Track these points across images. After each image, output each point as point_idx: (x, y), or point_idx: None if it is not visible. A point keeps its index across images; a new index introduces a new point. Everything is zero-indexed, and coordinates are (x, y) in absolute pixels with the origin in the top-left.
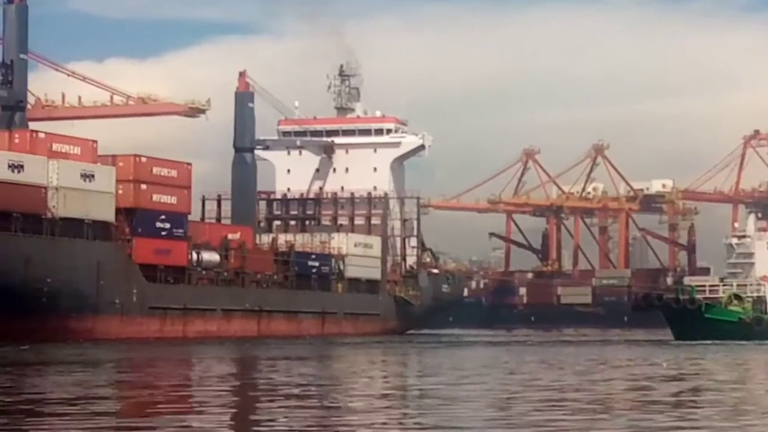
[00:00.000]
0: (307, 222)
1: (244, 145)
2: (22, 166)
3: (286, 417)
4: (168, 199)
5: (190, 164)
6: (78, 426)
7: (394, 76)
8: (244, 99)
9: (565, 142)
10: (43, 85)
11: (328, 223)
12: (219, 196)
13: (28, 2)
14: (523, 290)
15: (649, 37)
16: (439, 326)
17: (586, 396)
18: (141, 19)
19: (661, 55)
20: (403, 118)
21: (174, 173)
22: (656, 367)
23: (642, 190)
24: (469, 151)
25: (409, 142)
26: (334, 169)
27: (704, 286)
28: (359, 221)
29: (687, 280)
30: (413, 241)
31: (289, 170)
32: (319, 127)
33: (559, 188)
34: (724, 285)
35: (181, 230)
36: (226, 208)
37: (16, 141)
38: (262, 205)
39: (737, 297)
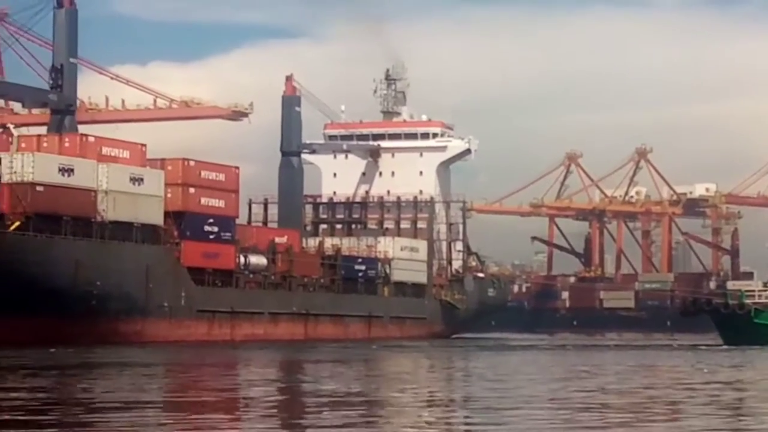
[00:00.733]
0: (353, 226)
1: (291, 149)
2: (72, 170)
3: (331, 419)
4: (216, 203)
5: (237, 168)
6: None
7: (438, 79)
8: (291, 103)
9: (607, 145)
10: (87, 88)
11: (374, 226)
12: (266, 199)
13: (77, 6)
14: (565, 294)
15: (692, 40)
16: (481, 330)
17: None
18: (184, 23)
19: (705, 57)
20: (449, 122)
21: (222, 177)
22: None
23: (685, 194)
24: (511, 154)
25: (456, 146)
26: (380, 173)
27: (753, 291)
28: (405, 225)
29: (730, 285)
30: (459, 245)
31: (335, 174)
32: (365, 131)
33: (602, 192)
34: None
35: (228, 234)
36: (272, 211)
37: (67, 145)
38: (309, 208)
39: None
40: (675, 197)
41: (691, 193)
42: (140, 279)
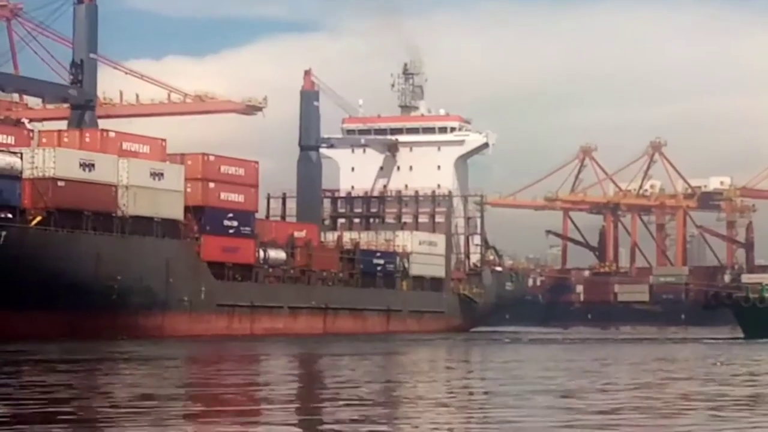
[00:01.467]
0: (371, 220)
1: (310, 144)
2: (93, 165)
3: (351, 413)
4: (236, 198)
5: (257, 163)
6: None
7: (455, 73)
8: (309, 97)
9: (622, 139)
10: (101, 83)
11: (392, 221)
12: (284, 194)
13: (97, 2)
14: (580, 288)
15: (708, 35)
16: (496, 324)
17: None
18: (199, 17)
19: (720, 52)
20: (466, 116)
21: (241, 171)
22: None
23: (700, 187)
24: (526, 148)
25: (473, 140)
26: (398, 167)
27: None
28: (423, 219)
29: (745, 278)
30: (477, 239)
31: (353, 168)
32: (383, 125)
33: (617, 186)
34: None
35: (248, 228)
36: (290, 206)
37: (87, 140)
38: (327, 203)
39: None
40: (689, 191)
41: (705, 186)
42: (160, 273)
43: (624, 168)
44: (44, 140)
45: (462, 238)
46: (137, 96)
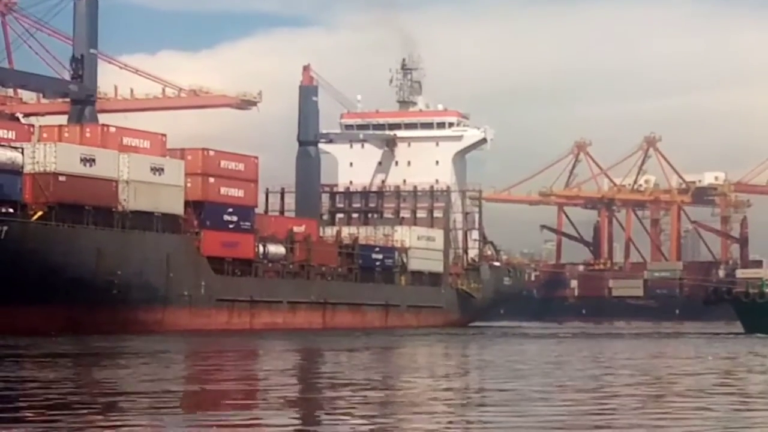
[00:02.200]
0: (369, 215)
1: (308, 139)
2: (93, 160)
3: (349, 409)
4: (235, 193)
5: (256, 158)
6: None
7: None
8: (308, 93)
9: (616, 134)
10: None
11: (390, 216)
12: (282, 189)
13: None
14: (574, 283)
15: (703, 29)
16: (490, 318)
17: None
18: (194, 12)
19: (715, 47)
20: (464, 111)
21: (241, 167)
22: None
23: (694, 182)
24: (520, 143)
25: (471, 135)
26: (397, 163)
27: None
28: (421, 214)
29: (739, 273)
30: (475, 234)
31: (351, 163)
32: (381, 120)
33: (611, 181)
34: None
35: (248, 223)
36: (288, 200)
37: (88, 135)
38: (325, 198)
39: None
40: (684, 186)
41: (700, 181)
42: (161, 268)
43: (618, 163)
44: (45, 135)
45: (460, 234)
46: (132, 91)
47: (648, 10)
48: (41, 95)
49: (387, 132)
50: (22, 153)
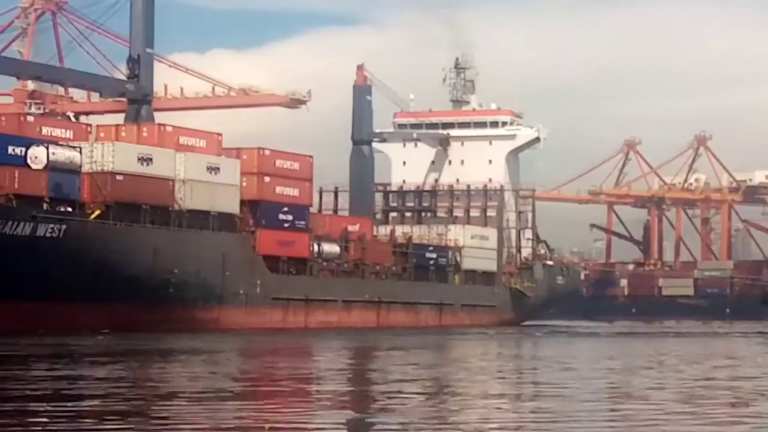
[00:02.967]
0: (422, 214)
1: (362, 138)
2: (150, 159)
3: (400, 407)
4: (290, 192)
5: (311, 157)
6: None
7: (500, 66)
8: (362, 92)
9: (666, 133)
10: None
11: (443, 215)
12: (336, 188)
13: None
14: (624, 282)
15: (752, 26)
16: (539, 317)
17: None
18: (243, 10)
19: (765, 44)
20: (518, 110)
21: (296, 166)
22: None
23: (745, 181)
24: (569, 141)
25: (525, 134)
26: (450, 162)
27: None
28: (475, 213)
29: None
30: (528, 233)
31: (404, 162)
32: (434, 119)
33: (661, 179)
34: None
35: (303, 222)
36: (341, 199)
37: (145, 134)
38: (379, 197)
39: None
40: (734, 184)
41: (750, 180)
42: (217, 267)
43: (669, 162)
44: (102, 135)
45: (513, 232)
46: (182, 90)
47: (698, 6)
48: (89, 94)
49: (440, 131)
50: (80, 152)
